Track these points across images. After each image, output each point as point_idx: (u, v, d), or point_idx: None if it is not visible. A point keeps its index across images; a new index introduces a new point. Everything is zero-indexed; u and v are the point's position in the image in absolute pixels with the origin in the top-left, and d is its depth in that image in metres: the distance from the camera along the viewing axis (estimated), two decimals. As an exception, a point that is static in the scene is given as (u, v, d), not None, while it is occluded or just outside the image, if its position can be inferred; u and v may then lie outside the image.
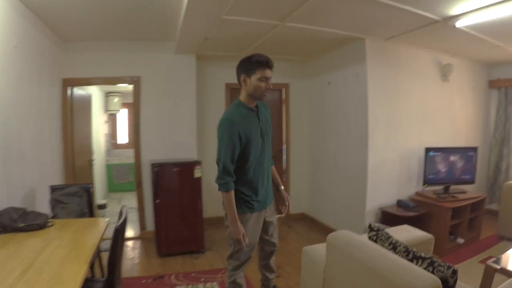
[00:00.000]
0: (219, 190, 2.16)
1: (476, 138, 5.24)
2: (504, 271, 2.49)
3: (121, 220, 1.83)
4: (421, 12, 2.99)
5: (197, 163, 3.94)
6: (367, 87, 3.98)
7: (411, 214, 3.89)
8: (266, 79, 2.12)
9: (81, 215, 2.74)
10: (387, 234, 1.80)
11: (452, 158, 4.39)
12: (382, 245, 1.75)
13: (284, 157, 5.57)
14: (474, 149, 4.49)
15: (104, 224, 2.33)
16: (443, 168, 4.37)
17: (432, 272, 1.46)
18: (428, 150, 4.28)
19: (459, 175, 4.44)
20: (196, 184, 3.94)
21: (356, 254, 1.66)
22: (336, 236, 1.86)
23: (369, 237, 1.86)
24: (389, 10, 2.93)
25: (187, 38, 3.75)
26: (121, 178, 7.45)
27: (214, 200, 5.04)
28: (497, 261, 2.57)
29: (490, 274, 2.51)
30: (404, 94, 4.31)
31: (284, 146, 5.56)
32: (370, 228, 1.90)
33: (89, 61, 4.20)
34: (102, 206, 5.49)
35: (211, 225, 4.86)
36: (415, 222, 3.75)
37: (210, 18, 3.07)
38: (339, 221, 4.58)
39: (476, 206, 4.22)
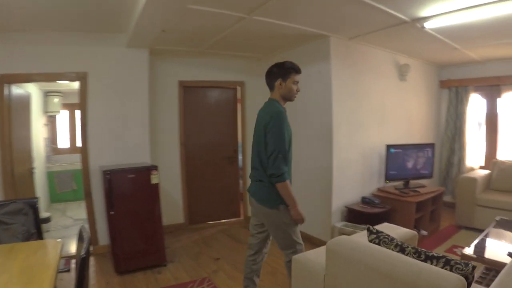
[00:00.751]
0: (276, 182, 2.21)
1: (430, 134, 5.49)
2: (480, 260, 2.57)
3: (85, 246, 1.51)
4: (392, 12, 2.98)
5: (153, 168, 3.61)
6: (332, 86, 3.92)
7: (376, 210, 3.91)
8: (297, 82, 2.40)
9: (28, 236, 2.30)
10: (388, 236, 1.69)
11: (411, 154, 4.51)
12: (388, 248, 1.62)
13: (240, 157, 5.39)
14: (432, 145, 4.65)
15: (57, 247, 1.97)
16: (403, 164, 4.46)
17: (451, 271, 1.38)
18: (389, 147, 4.37)
19: (418, 170, 4.58)
20: (154, 191, 3.60)
21: (367, 260, 1.52)
22: (338, 243, 1.70)
23: (371, 241, 1.73)
24: (362, 7, 2.87)
25: (143, 30, 3.39)
26: (64, 187, 6.74)
27: (170, 207, 4.77)
28: (471, 250, 2.67)
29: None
30: (365, 93, 4.34)
31: (240, 143, 5.38)
32: (370, 231, 1.77)
33: (29, 54, 3.63)
34: (46, 220, 4.86)
35: (168, 233, 4.53)
36: (381, 217, 3.78)
37: (174, 7, 2.76)
38: (303, 221, 4.50)
39: (436, 199, 4.39)
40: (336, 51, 3.93)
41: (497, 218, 3.36)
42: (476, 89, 5.24)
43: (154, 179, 3.60)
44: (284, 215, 2.28)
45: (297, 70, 2.38)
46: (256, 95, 5.28)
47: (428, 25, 3.25)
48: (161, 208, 3.66)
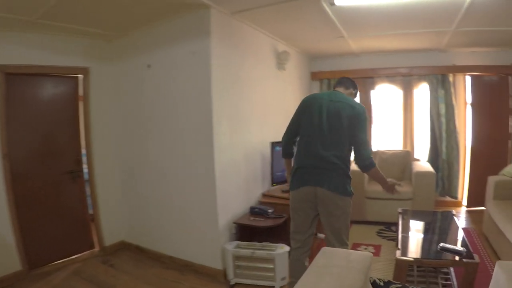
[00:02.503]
0: (372, 167, 2.45)
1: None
2: (419, 262, 2.41)
3: None
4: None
5: None
6: (211, 70, 3.08)
7: (272, 222, 3.29)
8: None
9: None
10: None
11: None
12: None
13: (85, 170, 3.97)
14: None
15: None
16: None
17: None
18: (274, 145, 3.86)
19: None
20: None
21: None
22: None
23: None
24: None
25: None
26: None
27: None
28: (406, 253, 2.46)
29: (403, 267, 2.38)
30: (245, 81, 3.66)
31: (84, 152, 3.96)
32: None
33: None
34: None
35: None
36: (277, 230, 3.30)
37: None
38: (179, 245, 3.57)
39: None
40: (217, 27, 3.10)
41: (399, 209, 3.22)
42: (350, 81, 5.29)
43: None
44: (351, 204, 2.41)
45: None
46: (106, 85, 3.92)
47: (338, 1, 2.90)
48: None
